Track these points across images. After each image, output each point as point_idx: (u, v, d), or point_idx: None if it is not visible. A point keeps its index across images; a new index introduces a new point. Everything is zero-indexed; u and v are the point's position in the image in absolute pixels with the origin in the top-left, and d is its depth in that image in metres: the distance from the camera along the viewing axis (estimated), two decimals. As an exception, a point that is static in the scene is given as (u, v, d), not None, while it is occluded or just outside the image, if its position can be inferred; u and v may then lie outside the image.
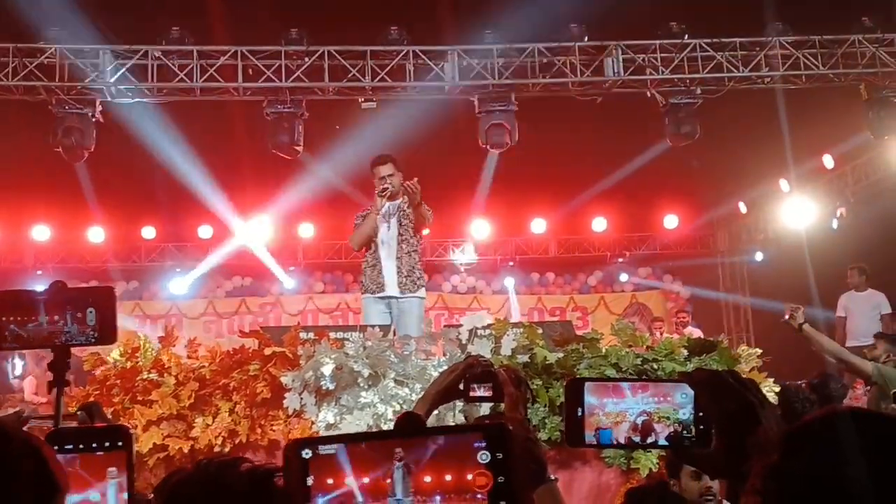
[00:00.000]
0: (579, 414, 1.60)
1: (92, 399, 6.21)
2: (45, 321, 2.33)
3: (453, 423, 4.80)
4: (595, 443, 1.62)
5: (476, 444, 1.11)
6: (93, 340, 2.36)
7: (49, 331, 2.33)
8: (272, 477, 1.56)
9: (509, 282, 18.06)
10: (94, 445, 1.68)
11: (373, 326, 6.52)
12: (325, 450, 1.11)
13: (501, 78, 11.31)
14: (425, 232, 7.90)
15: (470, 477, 1.10)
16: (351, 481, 1.09)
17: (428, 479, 1.10)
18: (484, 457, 1.11)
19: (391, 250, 7.37)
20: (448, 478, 1.10)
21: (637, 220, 17.33)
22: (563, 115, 12.30)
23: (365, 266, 7.53)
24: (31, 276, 15.82)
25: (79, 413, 2.39)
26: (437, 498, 1.09)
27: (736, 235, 17.92)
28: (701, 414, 1.59)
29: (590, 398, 1.61)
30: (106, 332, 2.36)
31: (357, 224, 7.59)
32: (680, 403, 1.61)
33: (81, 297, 2.36)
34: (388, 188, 7.30)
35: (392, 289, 7.34)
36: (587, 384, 1.63)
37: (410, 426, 1.12)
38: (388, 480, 1.10)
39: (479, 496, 1.09)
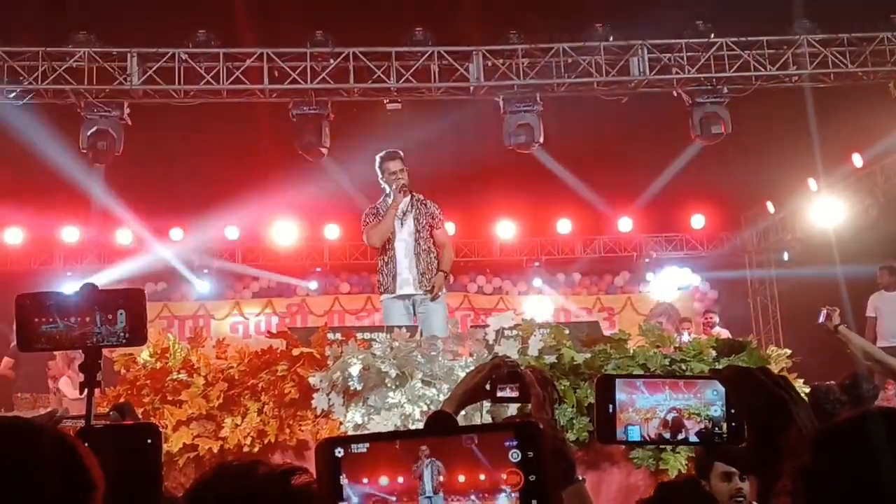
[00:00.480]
0: (610, 410, 1.60)
1: (123, 399, 6.28)
2: (76, 323, 2.36)
3: (480, 423, 4.81)
4: (625, 439, 1.62)
5: (507, 443, 1.11)
6: (123, 341, 2.39)
7: (80, 332, 2.36)
8: (290, 478, 1.57)
9: (537, 282, 18.03)
10: (124, 443, 1.70)
11: (399, 327, 6.53)
12: (357, 448, 1.11)
13: (526, 78, 11.31)
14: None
15: (502, 476, 1.10)
16: (384, 480, 1.10)
17: (462, 478, 1.10)
18: (515, 455, 1.11)
19: (408, 247, 7.35)
20: (481, 477, 1.10)
21: (664, 220, 17.23)
22: (589, 114, 12.27)
23: (381, 265, 7.48)
24: (60, 277, 15.97)
25: (111, 413, 2.42)
26: (472, 496, 1.10)
27: (764, 235, 17.76)
28: (732, 411, 1.59)
29: (620, 394, 1.60)
30: (136, 334, 2.39)
31: (367, 222, 7.55)
32: (710, 400, 1.60)
33: (112, 299, 2.39)
34: (404, 182, 7.30)
35: (410, 287, 7.31)
36: (618, 380, 1.63)
37: (442, 425, 1.12)
38: (419, 479, 1.10)
39: (511, 495, 1.09)
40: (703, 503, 3.74)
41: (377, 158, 7.54)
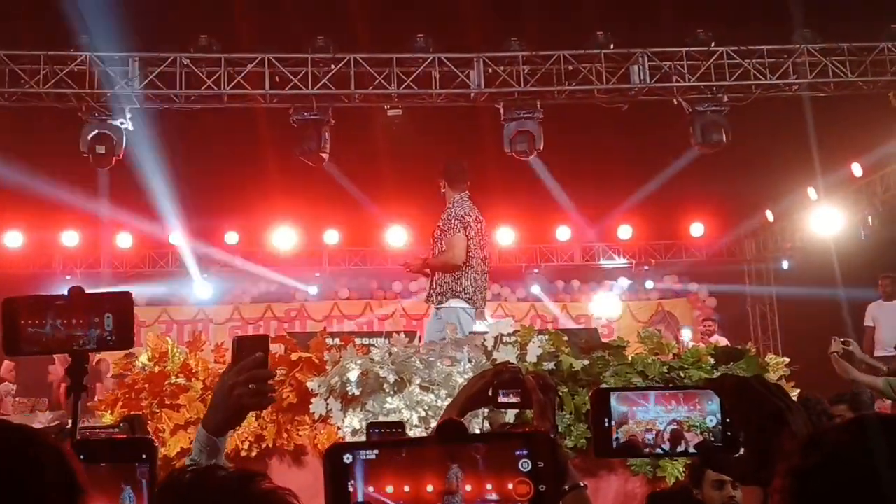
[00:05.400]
0: (606, 424, 1.60)
1: (120, 402, 6.28)
2: (62, 326, 2.36)
3: (479, 430, 4.81)
4: (623, 452, 1.62)
5: (517, 452, 1.11)
6: (110, 345, 2.39)
7: (67, 335, 2.36)
8: (253, 481, 1.57)
9: (536, 289, 18.06)
10: (118, 456, 1.71)
11: (397, 332, 6.56)
12: (366, 455, 1.11)
13: (527, 85, 11.31)
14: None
15: (510, 485, 1.10)
16: (390, 488, 1.10)
17: (469, 487, 1.10)
18: (525, 465, 1.11)
19: None
20: (489, 486, 1.09)
21: (663, 227, 17.24)
22: (589, 122, 12.29)
23: None
24: (59, 281, 15.96)
25: (122, 425, 2.42)
26: None
27: (763, 244, 17.78)
28: (728, 420, 1.59)
29: (620, 407, 1.61)
30: (123, 337, 2.38)
31: None
32: (708, 411, 1.61)
33: (99, 303, 2.38)
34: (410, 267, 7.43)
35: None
36: (614, 394, 1.63)
37: (453, 433, 1.12)
38: (430, 488, 1.09)
39: None
40: (693, 512, 3.74)
41: None
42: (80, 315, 2.35)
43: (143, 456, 1.73)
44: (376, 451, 1.10)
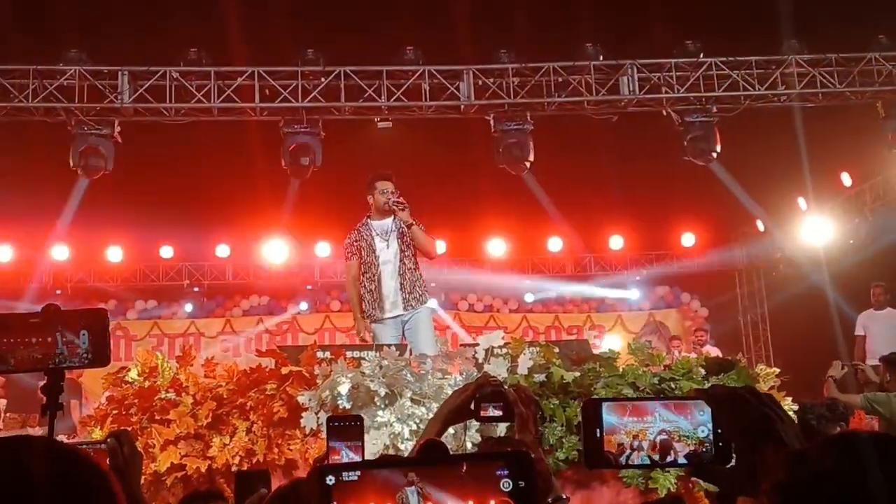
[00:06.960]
0: (598, 435, 1.59)
1: (110, 418, 6.24)
2: (37, 343, 2.33)
3: (468, 444, 4.80)
4: (613, 463, 1.61)
5: (498, 472, 1.11)
6: (86, 362, 2.36)
7: (42, 353, 2.33)
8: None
9: (530, 297, 18.04)
10: None
11: (388, 345, 6.51)
12: (348, 477, 1.11)
13: (517, 97, 11.34)
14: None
15: None
16: None
17: None
18: (506, 485, 1.11)
19: (395, 268, 7.20)
20: None
21: (654, 237, 17.27)
22: (580, 133, 12.32)
23: (364, 291, 7.30)
24: (49, 296, 15.88)
25: (108, 440, 2.39)
26: None
27: (754, 254, 17.83)
28: (719, 431, 1.58)
29: (608, 417, 1.60)
30: (99, 354, 2.36)
31: (347, 256, 7.48)
32: (699, 421, 1.60)
33: (74, 320, 2.36)
34: (403, 203, 7.19)
35: (399, 308, 7.19)
36: (605, 404, 1.62)
37: (434, 454, 1.12)
38: None
39: None
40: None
41: (369, 179, 7.48)
42: (54, 332, 2.33)
43: None
44: (358, 473, 1.11)
